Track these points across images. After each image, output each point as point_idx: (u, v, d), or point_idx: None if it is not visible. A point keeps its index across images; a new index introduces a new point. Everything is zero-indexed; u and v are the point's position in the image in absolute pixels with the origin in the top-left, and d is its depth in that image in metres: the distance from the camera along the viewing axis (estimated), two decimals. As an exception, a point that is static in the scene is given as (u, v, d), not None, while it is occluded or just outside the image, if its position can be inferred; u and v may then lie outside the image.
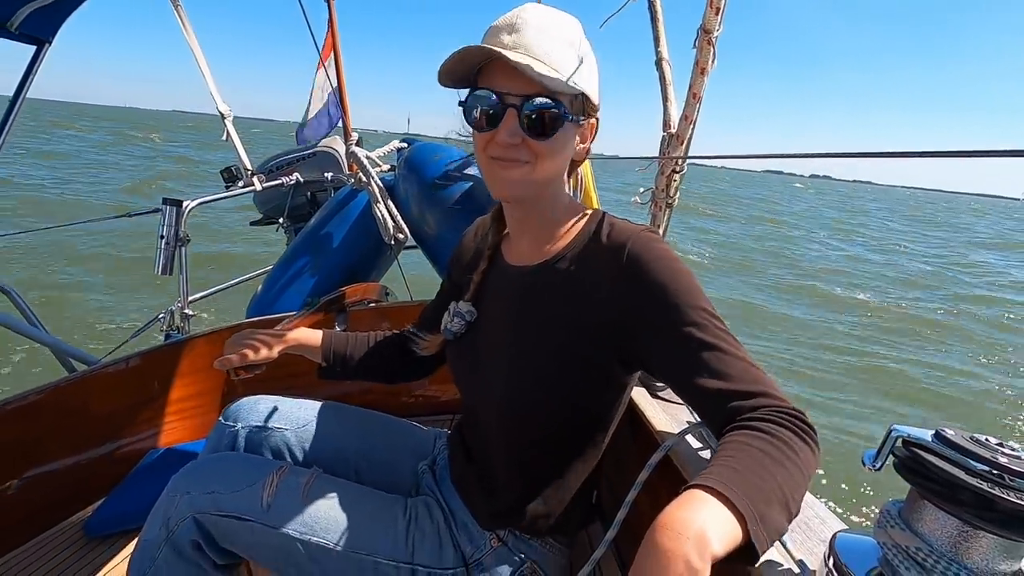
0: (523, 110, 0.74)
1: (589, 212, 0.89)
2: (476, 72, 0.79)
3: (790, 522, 0.58)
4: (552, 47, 0.75)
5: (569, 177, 0.91)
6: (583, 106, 0.80)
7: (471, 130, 0.81)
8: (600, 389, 0.85)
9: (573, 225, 0.88)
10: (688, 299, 0.72)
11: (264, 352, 1.07)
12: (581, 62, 0.77)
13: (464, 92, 0.80)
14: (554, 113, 0.75)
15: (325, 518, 0.88)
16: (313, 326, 1.20)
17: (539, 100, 0.74)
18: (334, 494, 0.92)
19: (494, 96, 0.75)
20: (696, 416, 1.04)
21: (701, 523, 0.49)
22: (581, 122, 0.81)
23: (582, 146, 0.85)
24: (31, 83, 1.98)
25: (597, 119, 0.85)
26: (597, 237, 0.83)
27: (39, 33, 1.94)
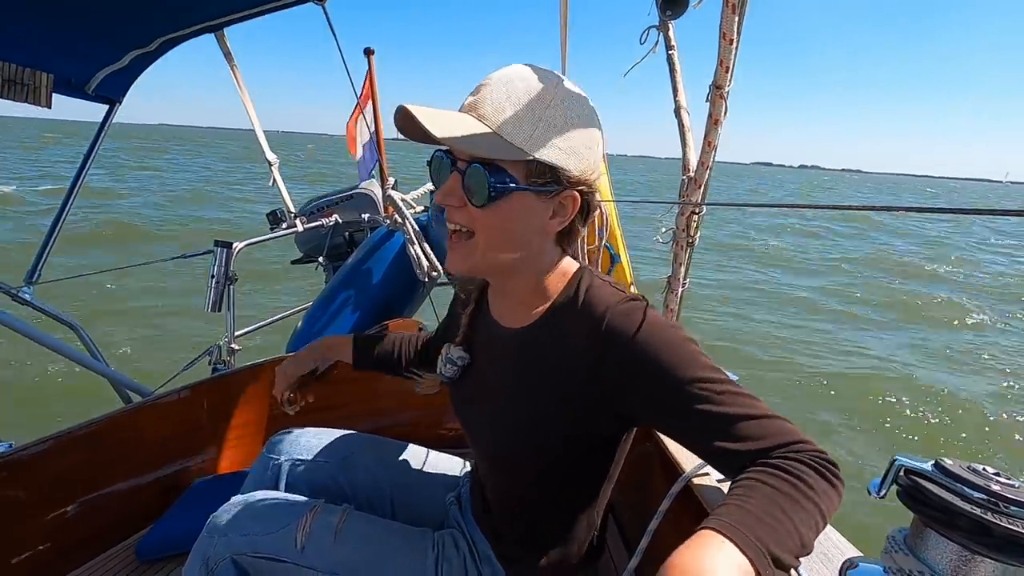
0: (465, 173, 0.71)
1: (575, 271, 0.84)
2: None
3: (803, 555, 0.58)
4: (505, 109, 0.70)
5: (567, 247, 0.84)
6: (550, 175, 0.73)
7: None
8: (595, 448, 0.85)
9: (556, 287, 0.83)
10: (682, 370, 0.68)
11: (309, 362, 1.19)
12: (539, 128, 0.70)
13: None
14: (484, 179, 0.70)
15: (355, 556, 0.92)
16: None
17: (479, 166, 0.70)
18: (365, 531, 0.95)
19: (445, 156, 0.74)
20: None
21: (711, 567, 0.50)
22: (545, 192, 0.73)
23: (554, 219, 0.77)
24: (104, 137, 2.18)
25: (580, 192, 0.76)
26: (575, 305, 0.79)
27: (111, 94, 2.15)
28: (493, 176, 0.70)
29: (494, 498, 0.96)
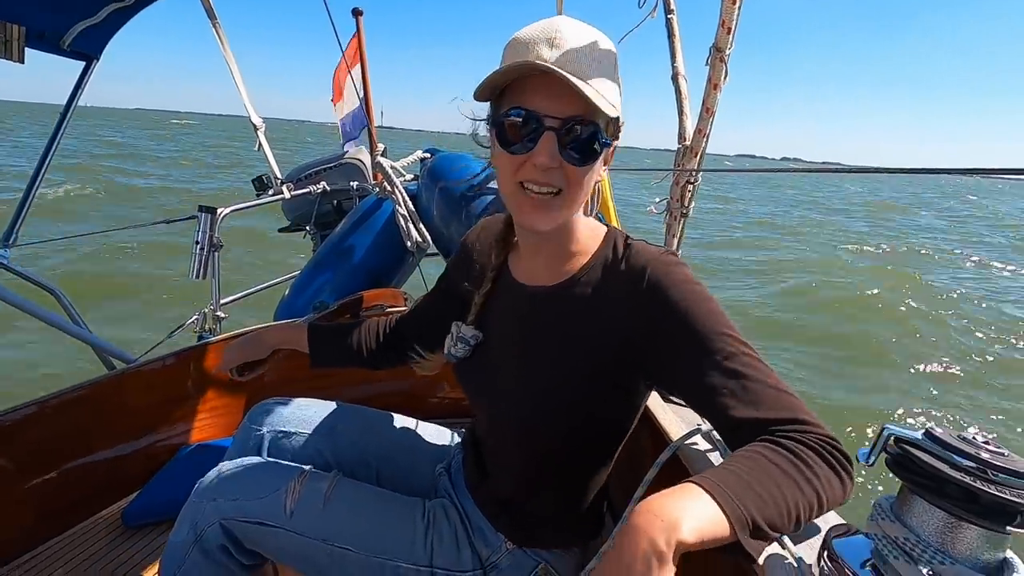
0: (563, 133, 0.70)
1: (606, 230, 0.86)
2: (501, 89, 0.75)
3: (788, 532, 0.57)
4: (594, 68, 0.70)
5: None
6: (616, 128, 0.77)
7: (497, 148, 0.76)
8: (619, 403, 0.85)
9: (589, 245, 0.84)
10: (714, 326, 0.69)
11: (256, 352, 1.18)
12: (616, 86, 0.74)
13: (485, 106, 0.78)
14: (595, 138, 0.71)
15: (345, 523, 0.91)
16: None
17: (581, 124, 0.70)
18: (354, 499, 0.95)
19: (533, 117, 0.70)
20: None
21: (679, 512, 0.50)
22: (611, 145, 0.77)
23: (604, 168, 0.82)
24: (80, 96, 2.10)
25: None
26: (616, 260, 0.80)
27: (88, 50, 2.07)
28: (599, 135, 0.72)
29: (505, 465, 0.95)
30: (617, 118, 0.74)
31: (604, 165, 0.81)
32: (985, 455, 0.54)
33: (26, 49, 1.83)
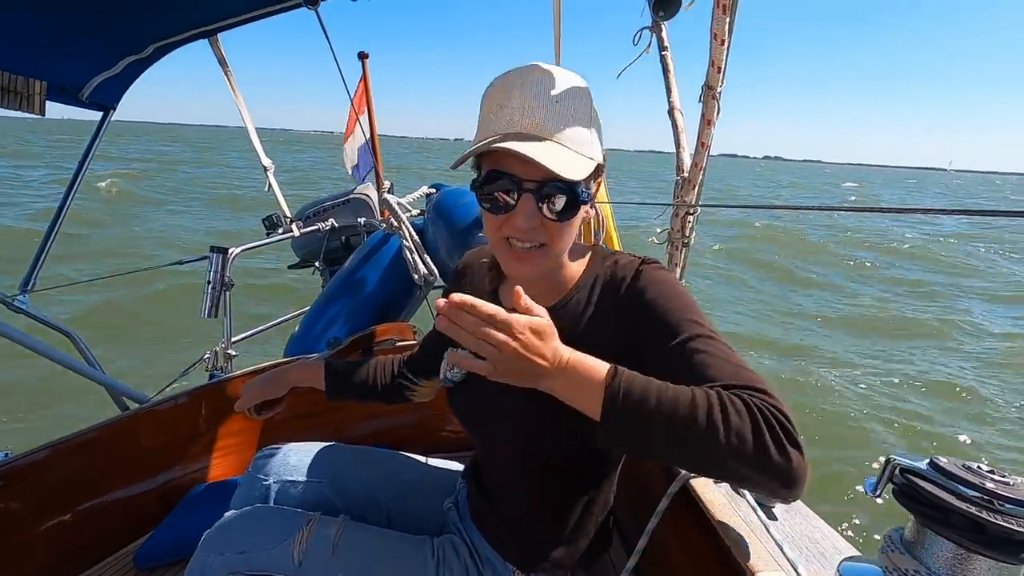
0: (541, 195, 0.72)
1: (590, 251, 0.90)
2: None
3: (666, 444, 0.60)
4: (567, 126, 0.72)
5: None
6: (595, 173, 0.78)
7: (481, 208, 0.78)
8: None
9: (576, 268, 0.87)
10: (681, 313, 0.73)
11: (274, 391, 1.18)
12: (592, 132, 0.76)
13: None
14: (572, 195, 0.73)
15: (355, 569, 0.91)
16: None
17: (558, 184, 0.72)
18: (363, 543, 0.94)
19: (511, 180, 0.72)
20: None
21: (557, 355, 0.62)
22: (591, 196, 0.79)
23: (589, 207, 0.84)
24: (98, 145, 2.18)
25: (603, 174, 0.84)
26: (600, 276, 0.84)
27: (106, 101, 2.15)
28: (578, 192, 0.73)
29: (508, 487, 0.95)
30: (598, 166, 0.77)
31: (590, 202, 0.83)
32: (990, 485, 0.54)
33: (47, 102, 1.91)
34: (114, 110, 2.21)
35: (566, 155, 0.71)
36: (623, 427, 0.61)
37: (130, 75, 2.13)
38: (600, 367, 0.63)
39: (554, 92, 0.73)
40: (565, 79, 0.75)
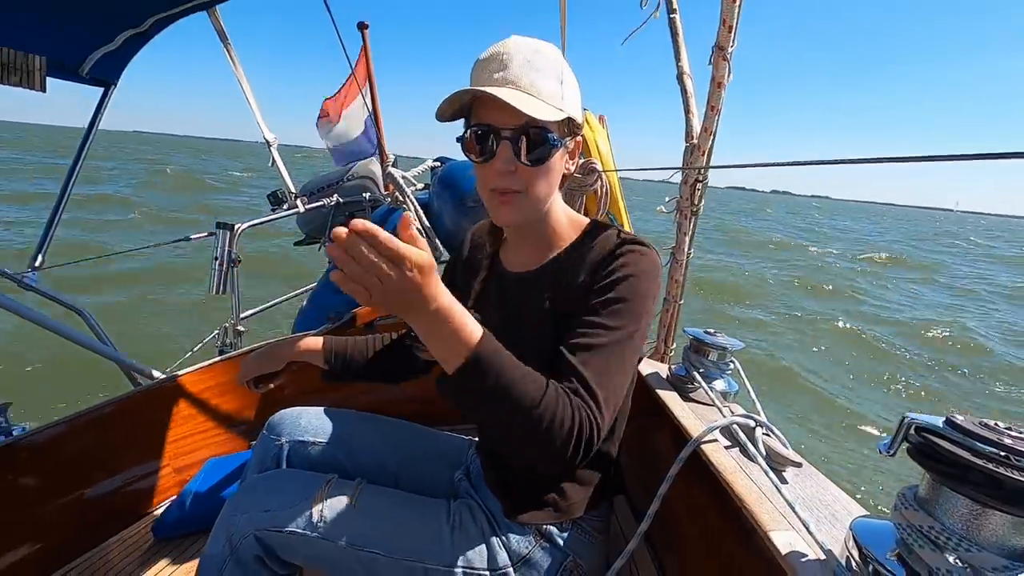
0: (515, 141, 0.80)
1: (588, 223, 0.95)
2: (469, 107, 0.85)
3: (487, 399, 0.68)
4: (537, 78, 0.80)
5: (562, 188, 0.96)
6: (569, 128, 0.86)
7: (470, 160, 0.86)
8: None
9: (569, 234, 0.94)
10: (619, 301, 0.80)
11: (271, 365, 1.19)
12: (564, 87, 0.83)
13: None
14: (544, 141, 0.81)
15: (374, 528, 0.93)
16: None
17: (530, 130, 0.80)
18: (380, 504, 0.97)
19: (488, 130, 0.81)
20: (724, 416, 1.08)
21: (453, 306, 0.65)
22: (567, 143, 0.87)
23: (571, 162, 0.92)
24: (100, 121, 2.16)
25: (582, 135, 0.91)
26: (591, 241, 0.89)
27: (106, 76, 2.13)
28: (548, 137, 0.81)
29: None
30: (569, 118, 0.84)
31: (571, 159, 0.92)
32: (1008, 440, 0.54)
33: (47, 78, 1.89)
34: (115, 86, 2.19)
35: (533, 101, 0.78)
36: (468, 389, 0.68)
37: (130, 50, 2.10)
38: (473, 328, 0.68)
39: (526, 54, 0.81)
40: (536, 44, 0.83)
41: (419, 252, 0.61)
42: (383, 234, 0.58)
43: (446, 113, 0.84)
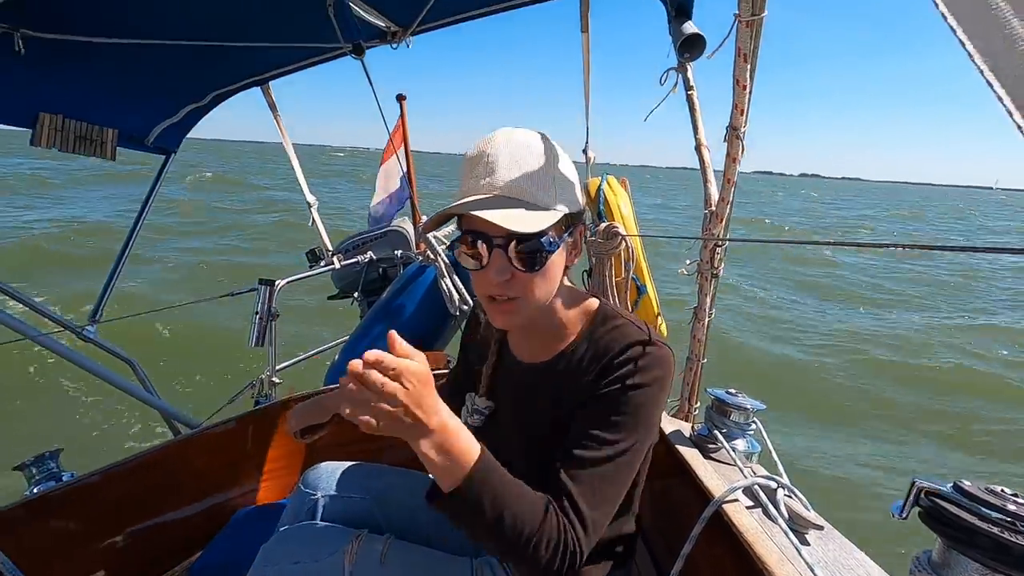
0: (508, 249, 0.77)
1: (594, 307, 0.92)
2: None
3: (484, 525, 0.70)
4: (526, 182, 0.77)
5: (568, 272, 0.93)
6: (568, 222, 0.83)
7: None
8: None
9: (576, 323, 0.91)
10: (625, 416, 0.79)
11: (318, 416, 1.22)
12: (556, 184, 0.80)
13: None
14: (539, 248, 0.78)
15: None
16: None
17: (524, 239, 0.76)
18: (407, 560, 0.99)
19: (481, 237, 0.78)
20: (746, 476, 1.10)
21: (435, 416, 0.66)
22: (567, 239, 0.84)
23: (571, 255, 0.89)
24: (160, 185, 2.35)
25: (583, 223, 0.89)
26: (600, 333, 0.87)
27: (168, 145, 2.33)
28: (543, 243, 0.77)
29: None
30: (566, 214, 0.81)
31: (574, 250, 0.89)
32: (1012, 507, 0.57)
33: (117, 148, 2.09)
34: (175, 153, 2.39)
35: (522, 215, 0.76)
36: (462, 508, 0.70)
37: (190, 121, 2.31)
38: (470, 446, 0.70)
39: (514, 153, 0.79)
40: (524, 139, 0.81)
41: (417, 365, 0.65)
42: (388, 357, 0.63)
43: (432, 227, 0.87)
